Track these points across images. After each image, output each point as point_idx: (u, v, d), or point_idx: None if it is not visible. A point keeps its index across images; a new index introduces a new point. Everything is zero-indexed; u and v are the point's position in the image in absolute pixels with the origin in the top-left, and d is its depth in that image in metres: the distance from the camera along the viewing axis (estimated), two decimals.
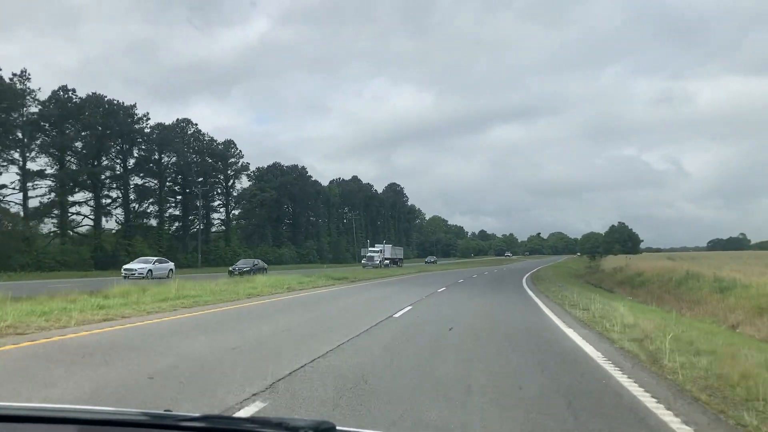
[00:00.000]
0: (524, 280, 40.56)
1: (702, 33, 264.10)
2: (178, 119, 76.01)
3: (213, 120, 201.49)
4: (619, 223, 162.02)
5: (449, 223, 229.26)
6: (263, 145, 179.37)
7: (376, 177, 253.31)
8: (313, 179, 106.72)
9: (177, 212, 76.39)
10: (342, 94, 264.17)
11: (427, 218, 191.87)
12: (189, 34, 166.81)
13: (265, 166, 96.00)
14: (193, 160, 77.17)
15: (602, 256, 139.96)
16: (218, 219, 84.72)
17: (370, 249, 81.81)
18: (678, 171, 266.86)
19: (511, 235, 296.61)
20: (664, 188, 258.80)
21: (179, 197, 75.76)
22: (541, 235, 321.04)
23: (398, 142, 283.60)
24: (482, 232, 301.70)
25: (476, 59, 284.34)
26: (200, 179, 79.01)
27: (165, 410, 1.96)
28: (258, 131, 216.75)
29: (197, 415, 1.86)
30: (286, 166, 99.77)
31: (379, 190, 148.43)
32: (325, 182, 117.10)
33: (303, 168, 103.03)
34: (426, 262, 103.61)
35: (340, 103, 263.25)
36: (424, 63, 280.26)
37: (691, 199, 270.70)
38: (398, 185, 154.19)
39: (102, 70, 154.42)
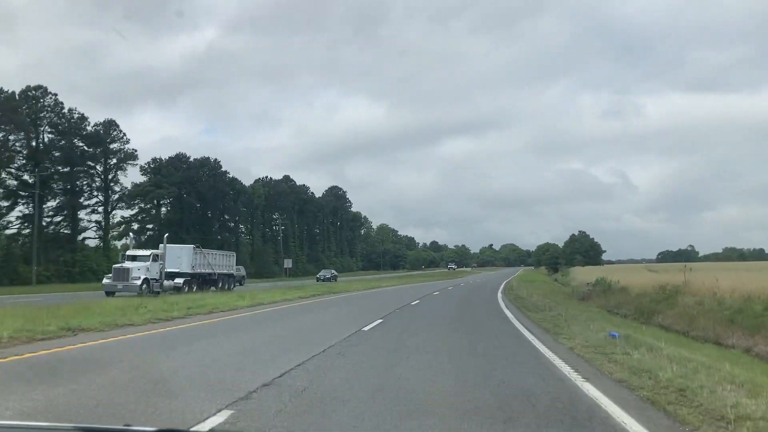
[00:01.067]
0: (503, 305, 24.58)
1: (646, 50, 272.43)
2: (28, 86, 57.01)
3: (160, 130, 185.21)
4: (579, 232, 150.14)
5: (399, 233, 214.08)
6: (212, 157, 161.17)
7: (326, 188, 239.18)
8: (230, 176, 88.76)
9: (26, 210, 57.08)
10: (293, 105, 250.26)
11: (375, 227, 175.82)
12: (130, 42, 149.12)
13: (165, 158, 77.40)
14: (51, 142, 58.20)
15: (565, 267, 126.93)
16: (93, 221, 65.54)
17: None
18: (625, 184, 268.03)
19: (463, 246, 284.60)
20: (611, 201, 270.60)
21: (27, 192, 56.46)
22: (493, 246, 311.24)
23: (351, 154, 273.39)
24: (434, 243, 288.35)
25: (427, 72, 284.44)
26: (65, 169, 60.12)
27: (125, 425, 2.00)
28: (206, 142, 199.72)
29: (154, 429, 1.92)
30: (194, 159, 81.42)
31: (318, 194, 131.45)
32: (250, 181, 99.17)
33: (216, 162, 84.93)
34: (319, 279, 65.47)
35: (291, 114, 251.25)
36: (376, 74, 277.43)
37: (638, 212, 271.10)
38: (340, 189, 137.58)
39: (41, 75, 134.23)
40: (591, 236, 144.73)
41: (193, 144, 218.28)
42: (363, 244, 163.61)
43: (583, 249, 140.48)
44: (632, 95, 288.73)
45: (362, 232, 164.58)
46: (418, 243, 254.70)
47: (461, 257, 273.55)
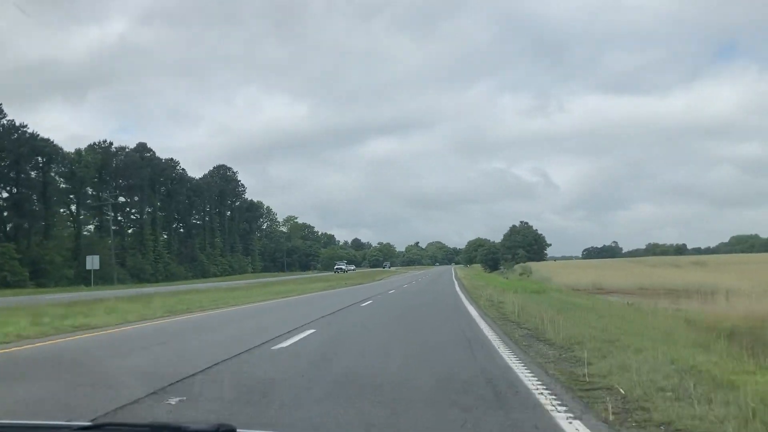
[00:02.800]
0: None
1: (565, 51, 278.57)
2: None
3: (69, 127, 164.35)
4: (521, 223, 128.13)
5: (317, 230, 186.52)
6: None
7: (249, 188, 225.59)
8: (31, 133, 58.39)
9: None
10: (211, 102, 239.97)
11: (281, 221, 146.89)
12: (34, 22, 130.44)
13: None
14: None
15: (509, 263, 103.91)
16: None
17: None
18: (546, 183, 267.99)
19: (388, 244, 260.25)
20: (533, 200, 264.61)
21: None
22: (419, 244, 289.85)
23: (273, 154, 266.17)
24: (356, 240, 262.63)
25: (350, 70, 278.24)
26: None
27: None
28: (122, 140, 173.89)
29: (90, 423, 1.89)
30: None
31: (195, 171, 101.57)
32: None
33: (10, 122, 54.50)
34: None
35: (210, 112, 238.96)
36: (298, 72, 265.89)
37: (558, 211, 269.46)
38: (230, 169, 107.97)
39: None
40: (535, 228, 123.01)
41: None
42: (266, 241, 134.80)
43: (526, 243, 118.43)
44: (552, 96, 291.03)
45: (264, 226, 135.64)
46: (339, 241, 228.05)
47: (386, 256, 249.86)
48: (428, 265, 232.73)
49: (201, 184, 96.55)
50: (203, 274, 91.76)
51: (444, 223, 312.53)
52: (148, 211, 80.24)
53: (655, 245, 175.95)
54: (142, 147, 79.93)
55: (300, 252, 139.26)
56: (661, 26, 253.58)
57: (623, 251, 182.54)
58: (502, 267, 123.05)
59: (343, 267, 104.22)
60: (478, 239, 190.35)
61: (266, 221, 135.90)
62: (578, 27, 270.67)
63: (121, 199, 76.74)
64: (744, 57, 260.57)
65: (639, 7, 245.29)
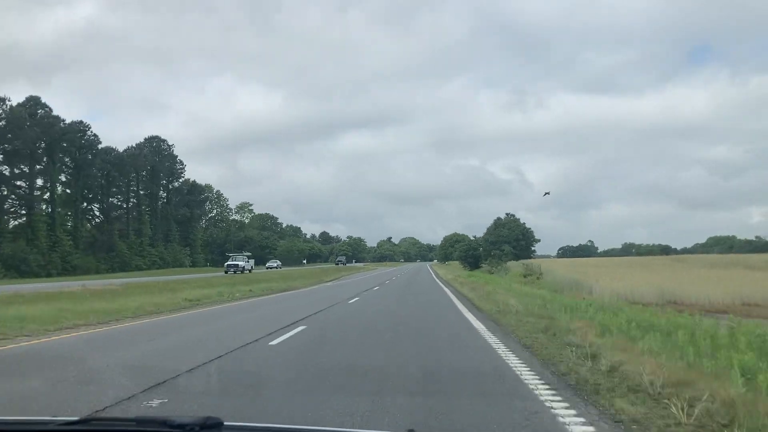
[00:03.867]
0: None
1: (542, 49, 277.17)
2: None
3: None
4: (507, 215, 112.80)
5: (281, 222, 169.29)
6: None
7: (219, 180, 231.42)
8: None
9: None
10: (182, 91, 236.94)
11: (233, 208, 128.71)
12: None
13: None
14: None
15: (496, 261, 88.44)
16: None
17: None
18: (521, 181, 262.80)
19: (358, 238, 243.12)
20: (507, 198, 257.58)
21: None
22: (392, 239, 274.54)
23: (245, 145, 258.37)
24: (324, 234, 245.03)
25: (325, 62, 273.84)
26: None
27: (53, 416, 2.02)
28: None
29: (76, 419, 1.90)
30: None
31: (118, 143, 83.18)
32: None
33: None
34: None
35: (181, 101, 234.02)
36: (272, 63, 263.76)
37: (532, 209, 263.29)
38: (165, 142, 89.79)
39: None
40: (523, 222, 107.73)
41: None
42: (215, 230, 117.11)
43: (513, 237, 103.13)
44: (528, 94, 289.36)
45: (213, 213, 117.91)
46: (305, 234, 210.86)
47: (355, 251, 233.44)
48: (399, 262, 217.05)
49: (124, 158, 78.53)
50: (122, 267, 74.15)
51: (418, 219, 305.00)
52: (40, 186, 62.23)
53: (631, 245, 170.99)
54: (33, 102, 61.64)
55: (254, 244, 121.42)
56: (636, 27, 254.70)
57: (599, 251, 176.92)
58: (484, 264, 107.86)
59: (241, 263, 56.90)
60: (455, 234, 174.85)
61: (215, 208, 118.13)
62: (555, 25, 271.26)
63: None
64: (716, 60, 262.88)
65: (615, 6, 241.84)
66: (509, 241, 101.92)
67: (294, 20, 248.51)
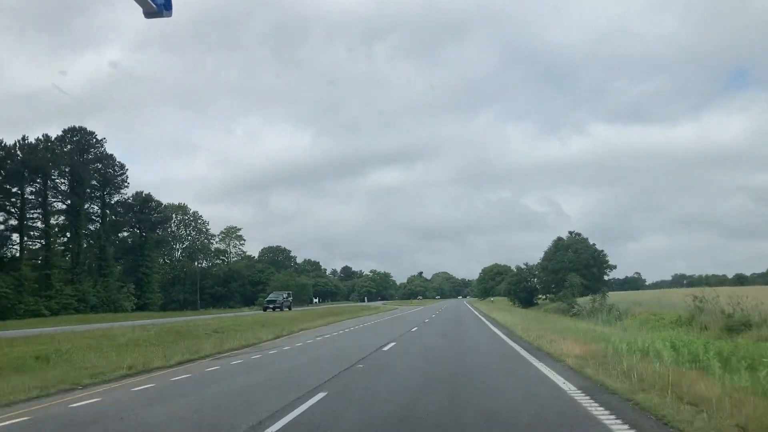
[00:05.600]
0: None
1: (570, 80, 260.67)
2: None
3: None
4: (570, 233, 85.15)
5: (293, 255, 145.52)
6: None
7: (249, 221, 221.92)
8: None
9: None
10: (211, 132, 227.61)
11: (216, 235, 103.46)
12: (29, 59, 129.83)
13: None
14: None
15: (568, 293, 60.62)
16: None
17: None
18: (557, 213, 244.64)
19: (385, 273, 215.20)
20: (544, 230, 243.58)
21: None
22: (423, 274, 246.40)
23: (275, 185, 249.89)
24: (346, 268, 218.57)
25: (351, 98, 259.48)
26: None
27: None
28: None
29: None
30: None
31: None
32: None
33: None
34: None
35: (209, 142, 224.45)
36: (299, 100, 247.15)
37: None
38: (94, 135, 65.28)
39: None
40: (592, 242, 79.27)
41: None
42: (202, 254, 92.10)
43: (582, 263, 74.97)
44: (557, 125, 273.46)
45: (188, 239, 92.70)
46: (325, 269, 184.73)
47: (381, 287, 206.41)
48: (434, 299, 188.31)
49: (26, 156, 54.40)
50: (2, 315, 49.16)
51: (449, 254, 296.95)
52: None
53: (682, 276, 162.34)
54: None
55: (243, 279, 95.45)
56: (667, 54, 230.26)
57: (647, 283, 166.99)
58: (541, 300, 79.89)
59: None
60: (496, 265, 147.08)
61: (192, 231, 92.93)
62: (584, 54, 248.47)
63: None
64: (755, 86, 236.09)
65: (643, 34, 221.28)
66: (577, 268, 73.65)
67: (318, 56, 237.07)
